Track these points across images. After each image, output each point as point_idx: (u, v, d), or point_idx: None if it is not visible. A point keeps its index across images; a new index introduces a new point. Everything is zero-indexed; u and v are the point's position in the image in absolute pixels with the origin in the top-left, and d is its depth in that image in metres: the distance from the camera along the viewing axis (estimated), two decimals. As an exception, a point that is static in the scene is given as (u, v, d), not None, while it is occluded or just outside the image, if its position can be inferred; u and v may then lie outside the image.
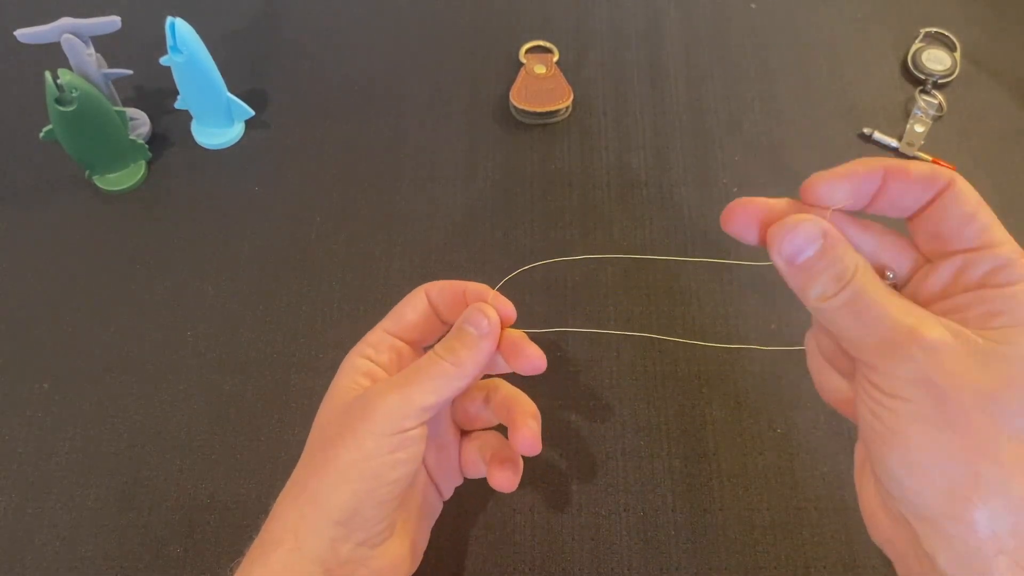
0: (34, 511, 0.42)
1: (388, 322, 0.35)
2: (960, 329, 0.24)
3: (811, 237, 0.25)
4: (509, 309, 0.34)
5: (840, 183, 0.26)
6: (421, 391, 0.31)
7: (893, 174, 0.26)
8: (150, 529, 0.42)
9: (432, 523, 0.37)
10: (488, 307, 0.33)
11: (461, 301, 0.34)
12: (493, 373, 0.35)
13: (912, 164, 0.26)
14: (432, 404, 0.31)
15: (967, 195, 0.25)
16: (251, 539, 0.31)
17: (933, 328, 0.24)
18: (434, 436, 0.35)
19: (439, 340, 0.33)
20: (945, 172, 0.26)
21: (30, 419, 0.45)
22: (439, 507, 0.38)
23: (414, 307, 0.35)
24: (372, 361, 0.34)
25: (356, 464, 0.30)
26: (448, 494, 0.38)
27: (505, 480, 0.35)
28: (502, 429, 0.36)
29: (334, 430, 0.31)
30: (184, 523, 0.42)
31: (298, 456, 0.33)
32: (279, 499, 0.32)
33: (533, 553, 0.41)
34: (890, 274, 0.27)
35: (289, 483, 0.32)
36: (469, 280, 0.35)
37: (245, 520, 0.42)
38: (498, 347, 0.33)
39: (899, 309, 0.25)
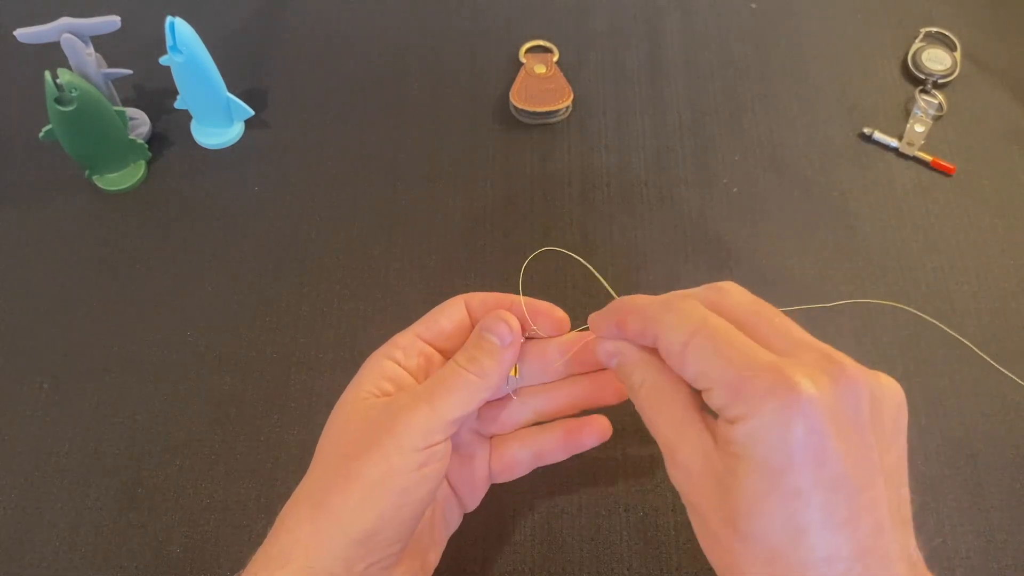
0: (34, 511, 0.42)
1: (421, 327, 0.34)
2: (711, 451, 0.25)
3: (608, 355, 0.30)
4: (560, 317, 0.35)
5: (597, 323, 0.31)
6: (448, 404, 0.30)
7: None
8: (150, 529, 0.42)
9: (447, 538, 0.36)
10: (509, 314, 0.32)
11: None
12: (549, 380, 0.35)
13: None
14: (459, 417, 0.30)
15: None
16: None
17: (683, 451, 0.26)
18: (456, 447, 0.34)
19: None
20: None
21: (30, 419, 0.45)
22: (458, 521, 0.36)
23: (450, 316, 0.34)
24: (400, 364, 0.33)
25: (383, 480, 0.29)
26: (473, 505, 0.37)
27: (597, 433, 0.36)
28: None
29: (355, 442, 0.30)
30: (184, 523, 0.42)
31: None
32: (287, 510, 0.30)
33: (533, 553, 0.41)
34: None
35: (301, 494, 0.31)
36: (476, 288, 0.35)
37: (245, 520, 0.42)
38: (584, 355, 0.34)
39: (669, 424, 0.27)
